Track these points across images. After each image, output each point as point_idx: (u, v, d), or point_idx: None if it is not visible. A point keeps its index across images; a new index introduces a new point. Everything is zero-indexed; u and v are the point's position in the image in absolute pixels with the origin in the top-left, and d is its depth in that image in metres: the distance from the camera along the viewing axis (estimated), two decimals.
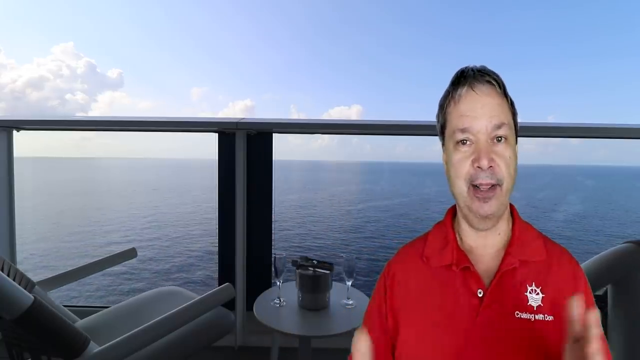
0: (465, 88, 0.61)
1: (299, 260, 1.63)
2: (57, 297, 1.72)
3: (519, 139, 0.65)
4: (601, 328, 0.41)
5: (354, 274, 1.57)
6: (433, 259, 0.67)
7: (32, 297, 1.09)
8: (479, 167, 0.59)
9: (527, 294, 0.59)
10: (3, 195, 2.09)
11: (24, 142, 2.51)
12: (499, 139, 0.59)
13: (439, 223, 0.72)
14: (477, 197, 0.60)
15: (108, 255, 1.85)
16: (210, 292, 1.43)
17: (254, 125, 2.04)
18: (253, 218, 2.13)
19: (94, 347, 1.17)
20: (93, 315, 1.58)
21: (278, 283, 1.62)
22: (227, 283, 1.47)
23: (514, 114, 0.63)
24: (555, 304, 0.59)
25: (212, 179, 2.52)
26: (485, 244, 0.65)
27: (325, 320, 1.48)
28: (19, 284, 1.14)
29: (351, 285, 1.60)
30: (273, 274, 1.63)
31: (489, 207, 0.59)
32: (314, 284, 1.53)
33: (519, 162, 0.63)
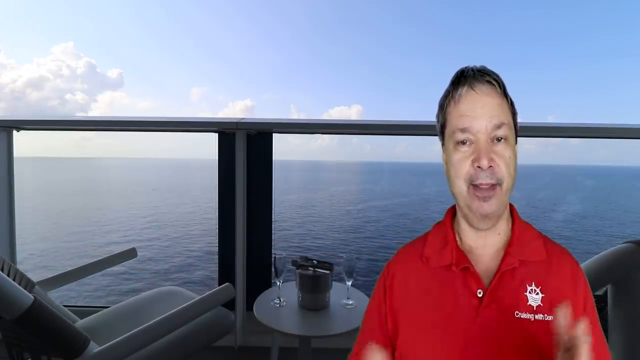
0: (466, 88, 0.61)
1: (299, 260, 1.63)
2: (57, 297, 1.72)
3: (519, 139, 0.65)
4: (591, 337, 0.41)
5: (354, 274, 1.57)
6: (433, 259, 0.67)
7: (32, 297, 1.09)
8: (479, 167, 0.59)
9: (527, 293, 0.59)
10: (3, 195, 2.09)
11: (24, 142, 2.51)
12: (499, 139, 0.60)
13: (438, 223, 0.72)
14: (477, 196, 0.60)
15: (108, 255, 1.85)
16: (210, 292, 1.43)
17: (254, 125, 2.04)
18: (253, 218, 2.13)
19: (94, 347, 1.17)
20: (93, 315, 1.58)
21: (278, 283, 1.62)
22: (227, 283, 1.47)
23: (513, 114, 0.63)
24: (555, 304, 0.59)
25: (212, 179, 2.52)
26: (485, 244, 0.65)
27: (325, 320, 1.48)
28: (19, 284, 1.14)
29: (351, 285, 1.60)
30: (273, 274, 1.63)
31: (489, 206, 0.59)
32: (314, 284, 1.53)
33: (519, 162, 0.63)
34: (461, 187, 0.61)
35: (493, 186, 0.59)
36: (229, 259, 2.09)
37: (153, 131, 2.45)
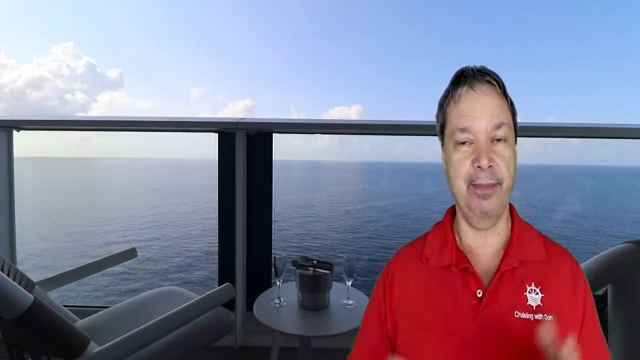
0: (465, 88, 0.61)
1: (299, 260, 1.63)
2: (57, 297, 1.72)
3: (519, 139, 0.65)
4: (579, 353, 0.41)
5: (354, 274, 1.57)
6: (432, 259, 0.67)
7: (32, 297, 1.09)
8: (478, 167, 0.59)
9: (527, 293, 0.59)
10: (3, 195, 2.09)
11: (24, 142, 2.51)
12: (499, 139, 0.59)
13: (438, 223, 0.72)
14: (476, 193, 0.60)
15: (108, 256, 1.84)
16: (210, 292, 1.43)
17: (254, 125, 2.04)
18: (253, 218, 2.13)
19: (94, 347, 1.17)
20: (93, 315, 1.58)
21: (278, 283, 1.62)
22: (227, 283, 1.47)
23: (513, 114, 0.63)
24: (554, 304, 0.59)
25: (212, 179, 2.52)
26: (484, 244, 0.65)
27: (325, 320, 1.48)
28: (19, 284, 1.14)
29: (351, 285, 1.60)
30: (273, 274, 1.62)
31: (489, 204, 0.59)
32: (314, 284, 1.53)
33: (519, 162, 0.63)
34: (461, 187, 0.61)
35: (493, 185, 0.59)
36: (229, 259, 2.09)
37: (153, 131, 2.45)
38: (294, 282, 1.63)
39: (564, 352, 0.40)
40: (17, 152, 2.14)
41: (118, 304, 1.69)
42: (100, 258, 1.82)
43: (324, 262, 1.61)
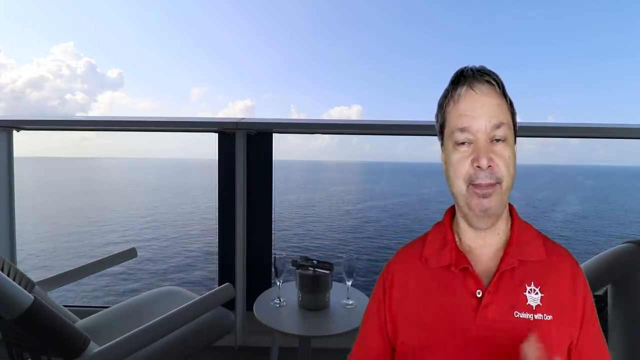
0: (465, 88, 0.61)
1: (299, 260, 1.63)
2: (57, 297, 1.72)
3: (519, 139, 0.65)
4: None
5: (354, 274, 1.57)
6: (432, 259, 0.67)
7: (32, 297, 1.09)
8: (478, 166, 0.59)
9: (526, 293, 0.59)
10: (3, 195, 2.09)
11: (24, 142, 2.51)
12: (498, 138, 0.60)
13: (437, 223, 0.72)
14: (476, 193, 0.60)
15: (108, 255, 1.84)
16: (210, 292, 1.43)
17: (254, 125, 2.04)
18: (253, 218, 2.13)
19: (94, 347, 1.16)
20: (93, 315, 1.58)
21: (278, 283, 1.62)
22: (227, 283, 1.47)
23: (513, 113, 0.63)
24: (554, 304, 0.59)
25: (212, 179, 2.52)
26: (484, 244, 0.65)
27: (325, 320, 1.48)
28: (19, 284, 1.14)
29: (351, 285, 1.60)
30: (273, 274, 1.62)
31: (488, 202, 0.59)
32: (314, 284, 1.53)
33: (519, 162, 0.63)
34: (460, 186, 0.61)
35: (492, 185, 0.59)
36: (229, 259, 2.09)
37: (153, 131, 2.45)
38: (294, 282, 1.63)
39: None
40: (17, 152, 2.14)
41: (118, 304, 1.69)
42: (100, 258, 1.82)
43: (324, 262, 1.61)
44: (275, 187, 2.23)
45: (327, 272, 1.56)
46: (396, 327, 0.66)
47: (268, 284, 2.18)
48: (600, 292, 1.21)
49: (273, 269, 1.60)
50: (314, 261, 1.62)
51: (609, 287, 1.18)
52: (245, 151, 2.07)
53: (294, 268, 1.61)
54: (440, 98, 0.66)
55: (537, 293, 0.59)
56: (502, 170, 0.59)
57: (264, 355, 1.82)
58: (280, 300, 1.59)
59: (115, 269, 1.92)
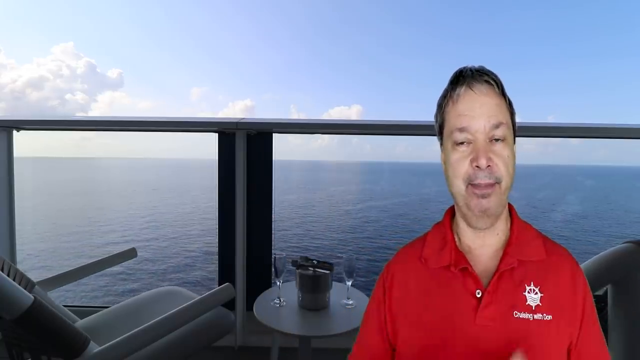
0: (464, 88, 0.61)
1: (299, 260, 1.63)
2: (57, 297, 1.72)
3: (519, 139, 0.65)
4: None
5: (354, 274, 1.57)
6: (431, 259, 0.67)
7: (32, 297, 1.09)
8: (477, 166, 0.59)
9: (526, 293, 0.59)
10: (3, 195, 2.09)
11: (24, 142, 2.51)
12: (497, 138, 0.60)
13: (437, 224, 0.72)
14: (475, 193, 0.60)
15: (108, 256, 1.85)
16: (210, 292, 1.43)
17: (254, 125, 2.04)
18: (253, 218, 2.13)
19: (94, 347, 1.17)
20: (93, 315, 1.58)
21: (278, 283, 1.62)
22: (227, 283, 1.47)
23: (512, 113, 0.63)
24: (554, 304, 0.59)
25: (211, 179, 2.52)
26: (483, 244, 0.65)
27: (325, 320, 1.48)
28: (19, 284, 1.14)
29: (351, 285, 1.60)
30: (273, 274, 1.63)
31: (488, 203, 0.59)
32: (314, 284, 1.53)
33: (519, 162, 0.63)
34: (459, 186, 0.61)
35: (492, 185, 0.59)
36: (229, 259, 2.09)
37: (153, 131, 2.45)
38: (294, 282, 1.63)
39: None
40: (17, 152, 2.14)
41: (118, 304, 1.69)
42: (100, 258, 1.82)
43: (324, 262, 1.61)
44: (275, 187, 2.23)
45: (327, 272, 1.56)
46: (396, 327, 0.66)
47: (268, 284, 2.18)
48: (600, 292, 1.21)
49: (273, 269, 1.60)
50: (314, 261, 1.62)
51: (609, 287, 1.18)
52: (245, 151, 2.07)
53: (294, 268, 1.61)
54: (440, 98, 0.66)
55: (536, 293, 0.59)
56: (501, 170, 0.59)
57: (264, 355, 1.82)
58: (280, 300, 1.59)
59: (114, 269, 1.92)
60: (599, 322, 0.62)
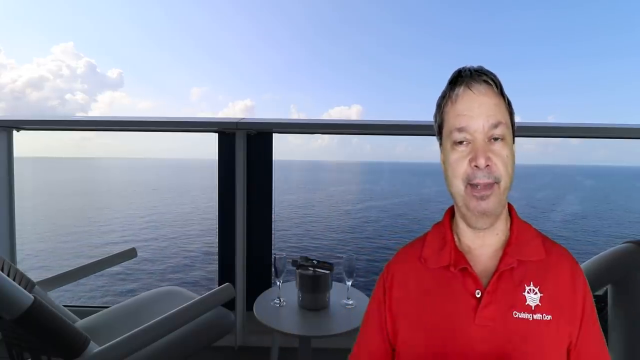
0: (463, 88, 0.61)
1: (299, 260, 1.63)
2: (57, 297, 1.72)
3: (519, 139, 0.65)
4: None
5: (354, 274, 1.57)
6: (431, 259, 0.67)
7: (32, 297, 1.09)
8: (476, 166, 0.59)
9: (525, 293, 0.59)
10: (3, 195, 2.09)
11: (24, 142, 2.51)
12: (496, 138, 0.60)
13: (437, 224, 0.72)
14: (474, 195, 0.60)
15: (108, 256, 1.85)
16: (210, 292, 1.43)
17: (254, 125, 2.04)
18: (253, 218, 2.13)
19: (94, 347, 1.17)
20: (93, 315, 1.58)
21: (278, 283, 1.62)
22: (227, 283, 1.47)
23: (511, 113, 0.63)
24: (553, 304, 0.59)
25: (211, 179, 2.52)
26: (483, 244, 0.65)
27: (325, 320, 1.48)
28: (19, 284, 1.14)
29: (351, 285, 1.60)
30: (273, 274, 1.62)
31: (487, 204, 0.59)
32: (314, 284, 1.53)
33: (519, 162, 0.63)
34: (459, 186, 0.61)
35: (491, 185, 0.59)
36: (229, 259, 2.09)
37: (153, 131, 2.45)
38: (294, 282, 1.63)
39: None
40: (17, 152, 2.14)
41: (118, 304, 1.69)
42: (100, 258, 1.82)
43: (324, 262, 1.61)
44: (275, 187, 2.23)
45: (327, 272, 1.56)
46: (396, 327, 0.66)
47: (268, 284, 2.18)
48: (600, 292, 1.21)
49: (273, 269, 1.60)
50: (314, 261, 1.62)
51: (609, 287, 1.18)
52: (245, 151, 2.07)
53: (294, 268, 1.61)
54: (439, 98, 0.66)
55: (536, 293, 0.59)
56: (500, 169, 0.59)
57: (264, 355, 1.82)
58: (280, 300, 1.59)
59: (113, 269, 1.91)
60: (599, 322, 0.62)
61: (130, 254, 1.90)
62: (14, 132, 2.14)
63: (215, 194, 2.17)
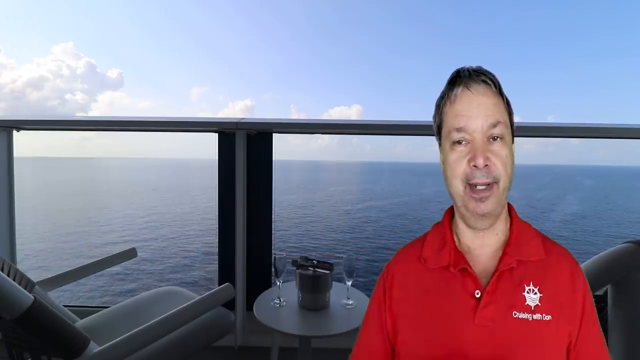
0: (461, 88, 0.61)
1: (299, 260, 1.63)
2: (57, 297, 1.72)
3: (519, 139, 0.65)
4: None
5: (354, 274, 1.57)
6: (431, 260, 0.67)
7: (32, 297, 1.09)
8: (475, 166, 0.59)
9: (525, 293, 0.59)
10: (3, 195, 2.09)
11: (24, 142, 2.51)
12: (495, 137, 0.60)
13: (437, 224, 0.72)
14: (473, 197, 0.60)
15: (108, 256, 1.84)
16: (210, 292, 1.43)
17: (254, 125, 2.04)
18: (253, 218, 2.13)
19: (94, 347, 1.17)
20: (93, 315, 1.58)
21: (278, 283, 1.62)
22: (227, 283, 1.47)
23: (509, 113, 0.63)
24: (553, 304, 0.59)
25: (211, 179, 2.52)
26: (482, 244, 0.65)
27: (325, 320, 1.48)
28: (19, 284, 1.14)
29: (351, 285, 1.60)
30: (273, 274, 1.62)
31: (486, 206, 0.59)
32: (314, 284, 1.53)
33: (519, 162, 0.63)
34: (458, 186, 0.61)
35: (490, 185, 0.59)
36: (229, 259, 2.09)
37: (153, 131, 2.45)
38: (294, 282, 1.63)
39: None
40: (17, 152, 2.14)
41: (118, 304, 1.69)
42: (100, 258, 1.82)
43: (324, 262, 1.61)
44: (275, 187, 2.23)
45: (327, 272, 1.56)
46: (396, 327, 0.66)
47: (268, 284, 2.18)
48: (600, 292, 1.21)
49: (273, 269, 1.60)
50: (314, 261, 1.62)
51: (609, 287, 1.18)
52: (245, 151, 2.07)
53: (294, 268, 1.61)
54: (438, 99, 0.66)
55: (535, 293, 0.59)
56: (499, 169, 0.59)
57: (264, 355, 1.82)
58: (280, 300, 1.59)
59: (113, 269, 1.91)
60: (599, 322, 0.62)
61: (130, 254, 1.90)
62: (14, 132, 2.14)
63: (215, 194, 2.17)
